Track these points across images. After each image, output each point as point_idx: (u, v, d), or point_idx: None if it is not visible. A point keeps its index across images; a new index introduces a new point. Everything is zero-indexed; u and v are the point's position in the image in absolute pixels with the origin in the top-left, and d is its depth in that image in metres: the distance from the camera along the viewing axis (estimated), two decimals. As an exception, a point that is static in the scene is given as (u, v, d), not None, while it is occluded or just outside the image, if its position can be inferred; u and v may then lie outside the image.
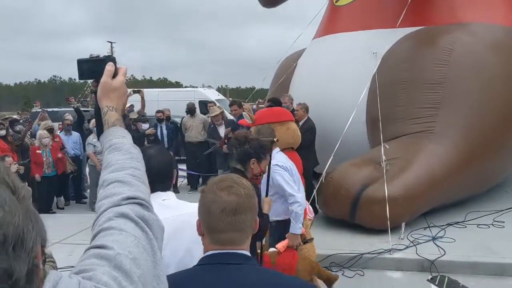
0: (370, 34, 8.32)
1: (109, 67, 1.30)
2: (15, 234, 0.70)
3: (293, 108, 7.98)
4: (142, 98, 9.49)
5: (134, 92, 9.76)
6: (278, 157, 4.10)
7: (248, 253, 1.46)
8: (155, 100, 16.69)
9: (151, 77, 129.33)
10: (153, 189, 1.93)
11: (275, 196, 4.03)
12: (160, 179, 2.14)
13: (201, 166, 9.57)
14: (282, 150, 4.39)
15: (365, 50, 8.07)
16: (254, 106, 10.20)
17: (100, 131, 1.29)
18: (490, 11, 8.06)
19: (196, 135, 9.58)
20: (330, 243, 5.99)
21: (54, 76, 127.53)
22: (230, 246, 1.43)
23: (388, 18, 8.12)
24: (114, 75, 1.31)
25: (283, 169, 4.02)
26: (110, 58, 1.32)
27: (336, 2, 9.55)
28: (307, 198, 6.49)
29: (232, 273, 1.39)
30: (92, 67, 1.32)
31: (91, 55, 1.35)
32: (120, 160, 1.16)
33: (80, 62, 1.34)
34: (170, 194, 2.19)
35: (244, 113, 4.86)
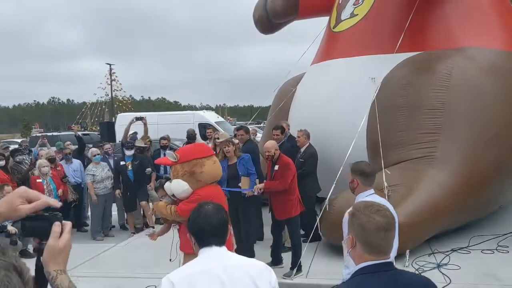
0: (368, 60, 8.41)
1: (56, 227, 1.28)
2: None
3: (290, 134, 8.02)
4: (145, 124, 9.53)
5: (137, 119, 9.81)
6: None
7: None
8: (155, 123, 16.77)
9: (149, 97, 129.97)
10: (209, 244, 2.20)
11: None
12: (216, 234, 2.25)
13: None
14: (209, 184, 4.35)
15: (364, 75, 8.15)
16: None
17: None
18: (487, 36, 8.17)
19: None
20: (334, 271, 5.95)
21: (53, 98, 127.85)
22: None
23: (385, 43, 8.22)
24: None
25: None
26: (57, 217, 1.29)
27: (333, 28, 9.67)
28: (311, 225, 6.51)
29: (389, 278, 1.78)
30: (36, 225, 1.29)
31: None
32: None
33: (24, 220, 1.30)
34: (224, 249, 2.27)
35: (167, 151, 4.83)
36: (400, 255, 6.07)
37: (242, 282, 2.13)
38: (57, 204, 1.31)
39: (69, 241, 1.30)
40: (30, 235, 1.32)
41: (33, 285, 0.94)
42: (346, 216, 1.99)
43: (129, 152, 8.84)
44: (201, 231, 2.24)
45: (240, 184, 6.34)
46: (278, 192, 5.92)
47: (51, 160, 8.88)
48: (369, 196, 3.67)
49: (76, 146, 10.77)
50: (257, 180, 6.42)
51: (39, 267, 1.29)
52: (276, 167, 5.95)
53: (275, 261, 6.31)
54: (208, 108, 43.13)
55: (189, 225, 2.34)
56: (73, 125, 12.66)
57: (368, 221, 1.79)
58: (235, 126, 12.93)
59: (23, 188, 1.30)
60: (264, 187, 6.00)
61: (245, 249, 6.58)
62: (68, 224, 1.32)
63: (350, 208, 1.96)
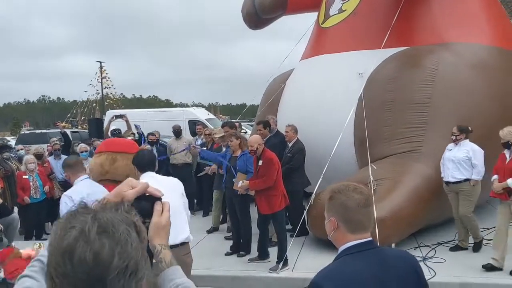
0: (356, 55, 8.43)
1: (158, 206, 1.38)
2: (133, 266, 0.95)
3: (277, 129, 8.05)
4: (127, 122, 9.50)
5: (117, 117, 9.76)
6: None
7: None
8: (144, 121, 16.69)
9: (141, 95, 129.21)
10: (145, 170, 3.93)
11: None
12: (150, 165, 4.03)
13: (187, 188, 9.55)
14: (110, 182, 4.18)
15: (351, 71, 8.18)
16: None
17: None
18: (473, 31, 8.22)
19: (181, 157, 9.54)
20: (320, 265, 5.95)
21: (43, 96, 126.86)
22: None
23: (373, 39, 8.24)
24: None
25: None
26: (158, 198, 1.39)
27: (322, 23, 9.68)
28: (298, 219, 6.54)
29: (373, 255, 1.83)
30: (140, 206, 1.36)
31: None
32: None
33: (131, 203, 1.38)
34: (153, 174, 4.01)
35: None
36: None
37: (168, 183, 3.95)
38: (159, 193, 1.40)
39: (169, 219, 1.41)
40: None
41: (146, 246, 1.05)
42: (325, 200, 1.98)
43: None
44: (141, 165, 3.95)
45: (234, 180, 6.40)
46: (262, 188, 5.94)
47: (38, 156, 8.82)
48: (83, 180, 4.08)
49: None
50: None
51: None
52: (260, 162, 5.95)
53: (262, 255, 6.32)
54: (200, 106, 43.03)
55: (135, 161, 3.99)
56: (59, 121, 12.56)
57: (348, 199, 1.85)
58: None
59: (130, 178, 1.42)
60: (249, 186, 6.02)
61: (245, 242, 6.62)
62: (167, 203, 1.41)
63: (327, 194, 1.96)
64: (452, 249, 6.51)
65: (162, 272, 1.36)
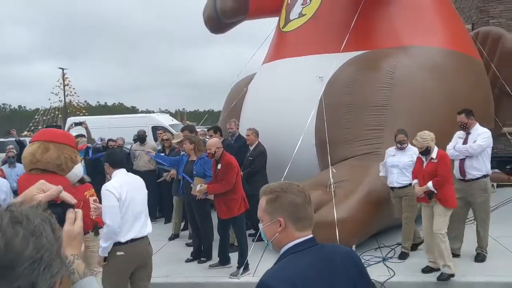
0: (316, 59, 8.49)
1: (71, 214, 1.33)
2: (48, 259, 0.94)
3: (238, 133, 8.01)
4: (86, 128, 9.26)
5: (76, 124, 9.51)
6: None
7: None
8: (106, 127, 16.34)
9: (105, 103, 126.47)
10: (120, 167, 4.18)
11: None
12: (125, 164, 4.33)
13: (151, 196, 9.37)
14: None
15: (312, 74, 8.23)
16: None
17: None
18: (429, 35, 8.40)
19: (145, 164, 9.35)
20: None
21: (4, 104, 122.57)
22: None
23: (333, 43, 8.31)
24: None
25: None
26: (70, 205, 1.34)
27: (282, 28, 9.72)
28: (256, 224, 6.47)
29: (317, 252, 1.82)
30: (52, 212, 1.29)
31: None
32: None
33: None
34: (125, 171, 4.25)
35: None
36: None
37: (138, 180, 4.30)
38: (73, 200, 1.35)
39: (82, 228, 1.35)
40: None
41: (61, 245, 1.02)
42: (263, 202, 1.90)
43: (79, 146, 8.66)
44: (115, 161, 4.20)
45: (192, 185, 6.28)
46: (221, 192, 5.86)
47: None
48: None
49: None
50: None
51: None
52: (219, 166, 5.86)
53: (223, 261, 6.23)
54: (166, 112, 42.60)
55: (108, 159, 4.26)
56: (13, 130, 12.13)
57: (296, 196, 1.83)
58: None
59: (42, 181, 1.37)
60: (208, 190, 5.93)
61: (206, 247, 6.52)
62: (79, 211, 1.36)
63: (266, 195, 1.89)
64: (401, 256, 6.44)
65: (75, 284, 1.30)
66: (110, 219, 3.85)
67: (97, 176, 8.27)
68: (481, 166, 6.07)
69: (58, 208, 1.29)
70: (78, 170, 4.32)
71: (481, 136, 6.09)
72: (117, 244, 3.92)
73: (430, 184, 5.42)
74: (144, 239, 4.15)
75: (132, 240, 3.98)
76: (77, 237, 1.33)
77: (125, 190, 3.96)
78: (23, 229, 0.92)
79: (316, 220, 5.79)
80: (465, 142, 6.15)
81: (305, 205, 1.84)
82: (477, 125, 6.22)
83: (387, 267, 5.96)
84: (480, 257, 6.06)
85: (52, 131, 4.63)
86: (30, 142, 4.32)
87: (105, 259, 3.99)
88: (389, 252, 6.50)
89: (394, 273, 5.72)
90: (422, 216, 5.77)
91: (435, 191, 5.42)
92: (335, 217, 6.03)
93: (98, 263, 4.08)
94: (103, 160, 4.51)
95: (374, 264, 6.09)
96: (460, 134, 6.30)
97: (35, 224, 0.94)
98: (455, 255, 6.03)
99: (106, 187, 3.96)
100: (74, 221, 1.32)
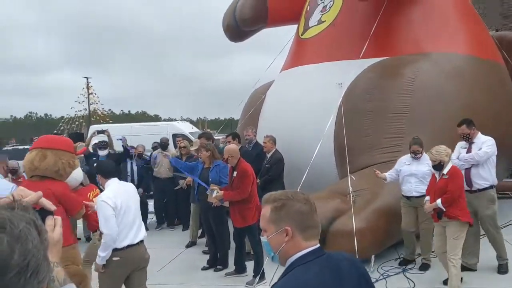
0: (335, 66, 8.40)
1: (50, 221, 1.31)
2: (34, 265, 0.90)
3: (256, 140, 7.96)
4: (109, 136, 9.37)
5: (99, 132, 9.64)
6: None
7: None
8: (128, 135, 16.49)
9: (129, 111, 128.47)
10: (112, 177, 4.23)
11: None
12: (117, 173, 4.50)
13: (168, 204, 9.45)
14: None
15: (331, 81, 8.14)
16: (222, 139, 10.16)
17: None
18: (451, 41, 8.23)
19: (165, 172, 9.39)
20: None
21: (31, 112, 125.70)
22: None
23: (352, 49, 8.21)
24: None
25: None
26: (50, 212, 1.32)
27: (301, 35, 9.67)
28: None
29: (325, 262, 1.74)
30: None
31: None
32: None
33: None
34: (117, 180, 4.30)
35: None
36: (364, 261, 5.97)
37: (131, 187, 4.38)
38: (52, 207, 1.34)
39: (61, 235, 1.33)
40: None
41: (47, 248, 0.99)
42: (267, 211, 1.81)
43: (102, 152, 8.76)
44: (107, 171, 4.25)
45: (208, 192, 6.25)
46: (236, 200, 5.81)
47: (13, 171, 8.59)
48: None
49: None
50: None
51: None
52: (235, 174, 5.82)
53: (239, 269, 6.16)
54: (187, 120, 42.97)
55: (99, 170, 4.31)
56: (35, 137, 12.46)
57: (303, 204, 1.75)
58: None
59: (20, 187, 1.40)
60: (223, 197, 5.88)
61: (222, 255, 6.47)
62: (59, 218, 1.34)
63: (271, 204, 1.79)
64: (401, 263, 6.32)
65: None
66: (108, 229, 3.93)
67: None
68: (487, 176, 5.90)
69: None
70: (77, 174, 4.52)
71: (486, 143, 5.93)
72: (114, 250, 4.02)
73: (439, 201, 5.10)
74: (140, 245, 4.22)
75: (128, 246, 4.09)
76: (57, 244, 1.29)
77: (119, 199, 4.04)
78: (7, 235, 0.88)
79: (334, 228, 5.72)
80: (468, 151, 5.99)
81: (312, 213, 1.77)
82: (479, 134, 6.08)
83: (407, 278, 5.80)
84: (503, 269, 5.85)
85: (50, 138, 4.74)
86: (29, 150, 4.46)
87: (103, 266, 4.08)
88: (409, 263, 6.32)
89: (415, 285, 5.56)
90: (434, 233, 5.48)
91: (444, 209, 5.09)
92: (354, 226, 5.90)
93: (97, 270, 4.15)
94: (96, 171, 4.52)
95: (394, 275, 5.93)
96: (462, 144, 6.14)
97: (19, 228, 0.91)
98: (472, 270, 5.87)
99: (101, 197, 4.03)
100: (53, 228, 1.29)
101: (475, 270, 5.92)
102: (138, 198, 4.45)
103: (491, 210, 5.84)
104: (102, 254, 3.98)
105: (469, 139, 6.03)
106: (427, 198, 5.39)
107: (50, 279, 1.23)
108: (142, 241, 4.26)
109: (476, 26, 9.01)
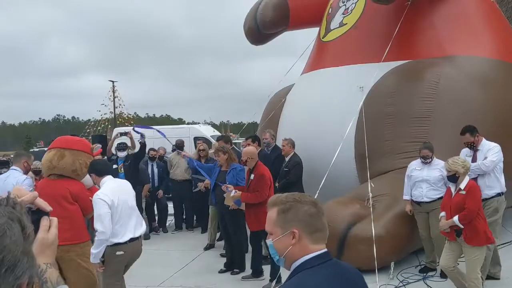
0: (357, 69, 8.29)
1: (45, 221, 1.29)
2: (11, 261, 0.89)
3: (275, 144, 7.92)
4: (131, 139, 9.48)
5: (121, 134, 9.76)
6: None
7: None
8: (151, 138, 16.64)
9: (154, 115, 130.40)
10: (105, 175, 4.29)
11: None
12: (110, 171, 4.48)
13: (186, 206, 9.50)
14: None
15: (352, 84, 8.03)
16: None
17: None
18: (475, 44, 8.04)
19: (181, 174, 9.42)
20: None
21: (58, 115, 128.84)
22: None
23: (374, 52, 8.09)
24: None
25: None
26: (45, 212, 1.31)
27: (323, 38, 9.59)
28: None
29: (332, 268, 1.71)
30: None
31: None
32: None
33: None
34: (111, 177, 4.38)
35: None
36: (385, 267, 5.86)
37: (127, 184, 4.50)
38: (48, 207, 1.32)
39: (57, 236, 1.31)
40: None
41: (33, 243, 0.99)
42: (274, 214, 1.77)
43: (121, 154, 8.83)
44: (100, 169, 4.32)
45: (225, 195, 6.22)
46: (251, 203, 5.77)
47: (37, 172, 8.76)
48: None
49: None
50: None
51: None
52: (252, 176, 5.78)
53: (255, 273, 6.12)
54: (209, 124, 43.23)
55: (92, 169, 4.34)
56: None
57: (311, 206, 1.72)
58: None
59: (17, 187, 1.37)
60: (241, 197, 5.85)
61: (239, 259, 6.44)
62: (55, 219, 1.33)
63: (277, 206, 1.75)
64: (421, 270, 6.13)
65: None
66: (103, 226, 3.99)
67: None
68: (494, 184, 5.71)
69: (33, 215, 1.26)
70: None
71: (492, 151, 5.74)
72: (117, 245, 4.11)
73: (456, 218, 4.81)
74: (139, 239, 4.39)
75: (131, 240, 4.20)
76: (51, 246, 1.28)
77: (116, 195, 4.14)
78: None
79: (353, 233, 5.59)
80: (474, 160, 5.81)
81: (320, 216, 1.73)
82: (484, 140, 5.90)
83: (427, 285, 5.66)
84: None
85: (67, 138, 4.94)
86: (47, 149, 4.60)
87: (102, 262, 4.14)
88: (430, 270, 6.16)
89: (435, 293, 5.42)
90: (444, 248, 5.15)
91: (462, 226, 4.79)
92: (373, 233, 5.79)
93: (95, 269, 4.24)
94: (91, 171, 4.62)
95: (414, 282, 5.79)
96: (466, 151, 5.96)
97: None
98: (495, 278, 5.69)
99: (97, 195, 4.09)
100: (48, 228, 1.28)
101: (498, 278, 5.73)
102: (134, 193, 4.56)
103: (491, 220, 5.61)
104: (95, 251, 4.03)
105: (473, 147, 5.87)
106: (442, 214, 5.12)
107: (43, 281, 1.22)
108: (140, 236, 4.40)
109: (503, 29, 8.77)
